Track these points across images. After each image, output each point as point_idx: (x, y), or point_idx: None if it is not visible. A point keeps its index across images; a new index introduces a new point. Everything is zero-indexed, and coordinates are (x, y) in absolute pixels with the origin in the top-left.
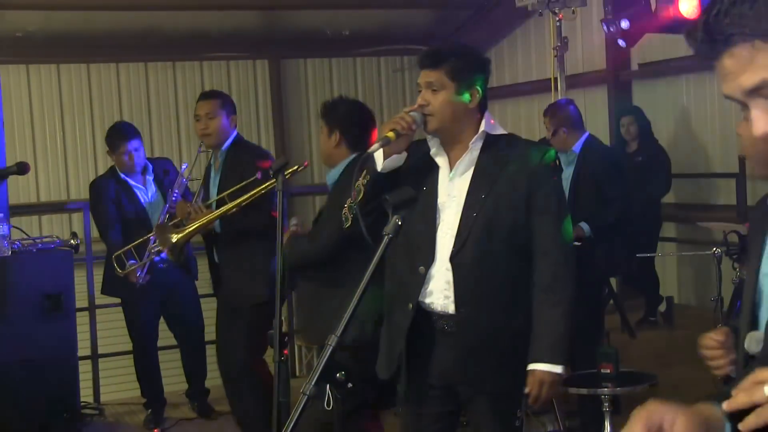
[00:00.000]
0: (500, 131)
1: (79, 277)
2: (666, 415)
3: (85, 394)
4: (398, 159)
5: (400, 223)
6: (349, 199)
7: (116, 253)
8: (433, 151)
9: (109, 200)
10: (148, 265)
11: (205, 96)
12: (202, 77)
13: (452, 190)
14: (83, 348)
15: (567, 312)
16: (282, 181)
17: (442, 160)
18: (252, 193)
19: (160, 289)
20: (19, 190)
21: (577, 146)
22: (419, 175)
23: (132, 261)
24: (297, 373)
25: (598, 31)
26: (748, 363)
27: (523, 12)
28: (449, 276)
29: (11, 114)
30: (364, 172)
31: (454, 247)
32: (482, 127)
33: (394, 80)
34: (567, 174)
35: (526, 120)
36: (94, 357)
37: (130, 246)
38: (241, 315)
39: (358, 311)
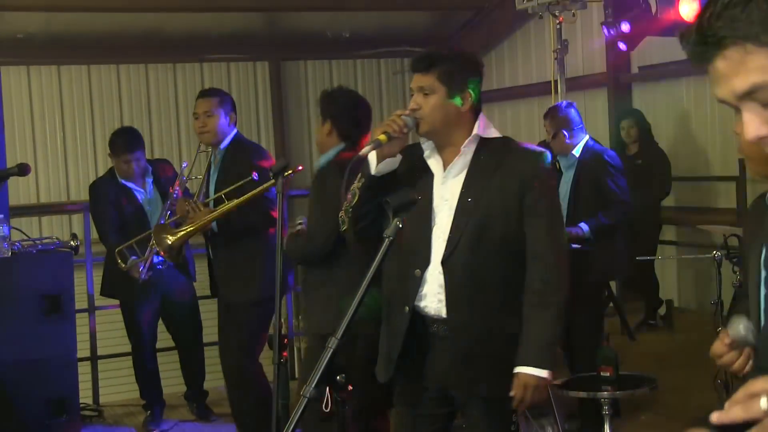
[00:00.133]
0: (494, 134)
1: (79, 279)
2: None
3: (85, 396)
4: (392, 162)
5: (401, 225)
6: (345, 203)
7: (119, 248)
8: (426, 154)
9: (108, 202)
10: (150, 261)
11: (204, 94)
12: (203, 79)
13: (445, 193)
14: (83, 349)
15: (557, 316)
16: (282, 183)
17: (435, 163)
18: (251, 193)
19: (159, 290)
20: (20, 191)
21: (577, 149)
22: (414, 179)
23: (134, 257)
24: (296, 375)
25: (599, 34)
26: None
27: (523, 14)
28: (442, 279)
29: (12, 115)
30: (359, 175)
31: (445, 250)
32: (475, 130)
33: (394, 82)
34: (567, 177)
35: (526, 122)
36: (94, 358)
37: (132, 241)
38: (236, 314)
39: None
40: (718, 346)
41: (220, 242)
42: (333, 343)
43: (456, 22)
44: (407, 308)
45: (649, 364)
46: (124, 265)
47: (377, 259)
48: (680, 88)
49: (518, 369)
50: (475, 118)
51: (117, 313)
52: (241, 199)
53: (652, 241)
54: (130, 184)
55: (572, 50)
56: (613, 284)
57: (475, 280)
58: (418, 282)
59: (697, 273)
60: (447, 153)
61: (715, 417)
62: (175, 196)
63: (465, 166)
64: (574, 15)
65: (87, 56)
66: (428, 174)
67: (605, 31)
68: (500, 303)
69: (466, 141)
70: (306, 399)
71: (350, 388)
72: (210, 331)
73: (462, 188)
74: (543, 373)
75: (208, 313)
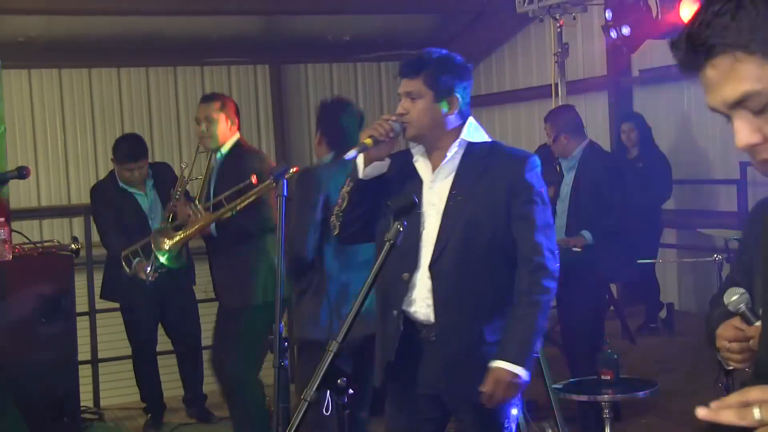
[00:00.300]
0: (483, 138)
1: (80, 282)
2: None
3: (85, 399)
4: (381, 166)
5: (401, 229)
6: (336, 207)
7: (124, 253)
8: (415, 159)
9: (109, 205)
10: (154, 262)
11: (206, 99)
12: (203, 82)
13: (433, 198)
14: (83, 352)
15: (540, 316)
16: (282, 186)
17: (424, 168)
18: (250, 194)
19: (159, 293)
20: (21, 194)
21: (577, 152)
22: (404, 183)
23: (138, 259)
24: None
25: (599, 37)
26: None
27: (523, 18)
28: (430, 284)
29: (13, 118)
30: (348, 179)
31: (433, 254)
32: (462, 135)
33: (395, 86)
34: (567, 180)
35: (526, 126)
36: (94, 361)
37: (136, 246)
38: (235, 318)
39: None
40: (730, 329)
41: (219, 246)
42: (334, 346)
43: (457, 25)
44: (395, 312)
45: (650, 367)
46: (129, 270)
47: (378, 262)
48: (681, 91)
49: (494, 363)
50: (464, 123)
51: (117, 316)
52: (241, 200)
53: (653, 244)
54: (130, 188)
55: (573, 53)
56: (613, 287)
57: (463, 285)
58: (406, 286)
59: (698, 276)
60: (435, 157)
61: (702, 413)
62: (176, 197)
63: (452, 171)
64: (574, 18)
65: (88, 59)
66: (417, 179)
67: (606, 34)
68: (489, 307)
69: (453, 145)
70: (307, 402)
71: (351, 391)
72: (209, 334)
73: (449, 192)
74: (518, 370)
75: (207, 316)
